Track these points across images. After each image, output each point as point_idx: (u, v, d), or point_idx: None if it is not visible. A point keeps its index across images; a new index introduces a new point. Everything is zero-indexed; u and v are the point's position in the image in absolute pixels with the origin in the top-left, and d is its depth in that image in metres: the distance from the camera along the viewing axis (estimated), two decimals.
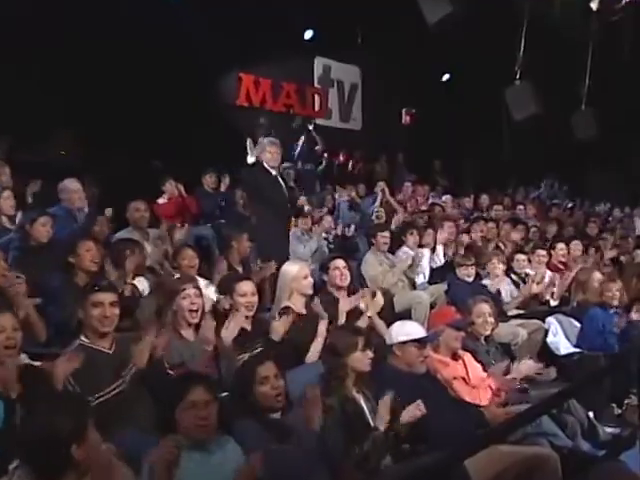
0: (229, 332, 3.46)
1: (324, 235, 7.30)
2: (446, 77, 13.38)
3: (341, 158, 11.02)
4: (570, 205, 11.96)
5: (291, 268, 4.31)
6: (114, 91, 7.99)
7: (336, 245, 7.34)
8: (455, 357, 4.06)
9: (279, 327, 3.78)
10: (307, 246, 6.76)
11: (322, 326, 4.00)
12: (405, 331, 3.71)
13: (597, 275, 5.71)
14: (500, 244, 7.69)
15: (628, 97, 11.35)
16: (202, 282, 4.74)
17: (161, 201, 6.88)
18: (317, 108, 11.96)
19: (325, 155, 10.45)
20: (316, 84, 12.11)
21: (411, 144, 12.82)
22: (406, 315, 5.44)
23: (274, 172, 5.86)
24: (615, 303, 5.37)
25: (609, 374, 4.11)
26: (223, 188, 7.72)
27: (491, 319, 4.45)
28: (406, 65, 11.98)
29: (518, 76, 8.57)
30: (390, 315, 5.48)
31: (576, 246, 7.38)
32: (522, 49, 8.52)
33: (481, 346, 4.42)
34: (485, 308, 4.48)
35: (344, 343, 3.27)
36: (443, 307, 4.30)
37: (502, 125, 12.88)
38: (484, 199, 10.37)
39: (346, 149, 11.62)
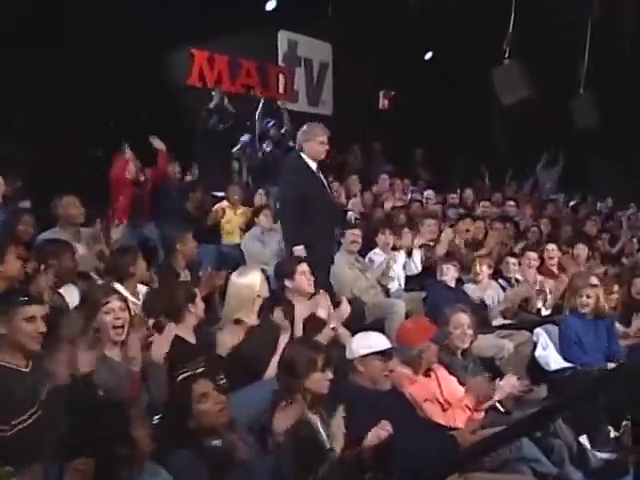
0: (158, 348, 3.45)
1: None
2: (429, 55, 13.49)
3: None
4: (574, 203, 12.11)
5: (243, 274, 4.32)
6: (48, 69, 7.96)
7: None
8: (427, 373, 4.11)
9: (226, 340, 3.80)
10: (267, 247, 6.77)
11: (283, 339, 4.04)
12: (367, 343, 3.75)
13: (594, 280, 5.82)
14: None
15: (632, 80, 11.57)
16: (144, 289, 4.76)
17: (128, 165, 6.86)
18: (281, 90, 11.97)
19: (291, 143, 10.50)
20: (280, 62, 12.10)
21: (389, 131, 12.89)
22: (379, 326, 5.50)
23: (314, 166, 5.47)
24: (585, 310, 5.48)
25: (599, 391, 4.18)
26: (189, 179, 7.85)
27: (470, 331, 4.52)
28: (384, 41, 12.07)
29: (507, 55, 8.68)
30: (359, 323, 5.57)
31: (581, 250, 7.48)
32: (512, 24, 8.63)
33: (458, 361, 4.48)
34: (463, 319, 4.55)
35: (301, 361, 3.30)
36: (418, 318, 4.36)
37: (493, 111, 13.05)
38: (468, 194, 10.50)
39: None
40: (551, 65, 10.58)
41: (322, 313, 4.48)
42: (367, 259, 6.77)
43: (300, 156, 5.47)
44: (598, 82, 10.42)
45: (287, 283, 4.60)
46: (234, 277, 4.34)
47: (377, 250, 6.89)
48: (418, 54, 13.27)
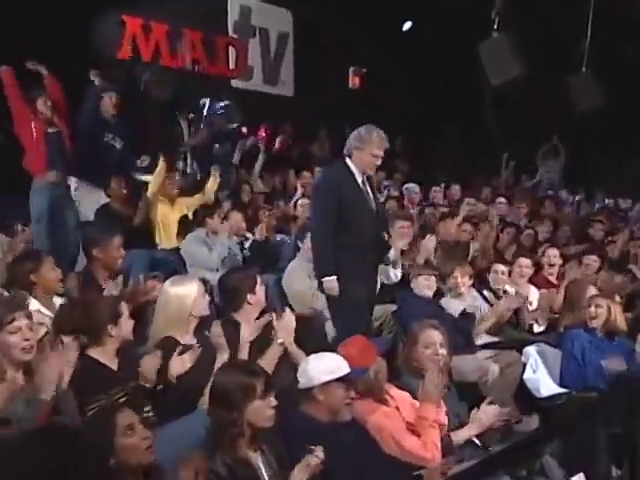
0: (48, 371, 3.41)
1: (236, 238, 7.30)
2: (407, 26, 13.62)
3: (263, 134, 11.05)
4: (575, 199, 12.27)
5: (177, 284, 4.31)
6: None
7: (254, 251, 7.36)
8: (385, 401, 4.14)
9: (150, 365, 3.78)
10: (214, 251, 6.77)
11: (221, 361, 4.04)
12: (328, 367, 3.77)
13: (592, 290, 5.91)
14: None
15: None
16: (60, 301, 4.73)
17: None
18: (232, 65, 11.98)
19: (244, 130, 10.50)
20: (231, 33, 12.13)
21: (361, 115, 12.87)
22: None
23: (360, 179, 5.39)
24: (594, 324, 5.56)
25: (598, 418, 4.26)
26: None
27: (443, 350, 4.56)
28: (354, 9, 12.14)
29: (496, 26, 8.79)
30: (321, 345, 5.59)
31: (592, 262, 7.45)
32: None
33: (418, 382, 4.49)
34: (435, 336, 4.58)
35: (237, 389, 3.27)
36: (354, 339, 4.39)
37: (484, 92, 13.18)
38: (455, 190, 10.58)
39: (272, 122, 11.68)
40: (547, 38, 10.71)
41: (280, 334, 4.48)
42: None
43: (345, 163, 5.42)
44: (604, 59, 10.58)
45: (249, 298, 4.60)
46: (165, 287, 4.33)
47: None
48: (395, 24, 13.39)
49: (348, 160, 5.38)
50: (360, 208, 5.34)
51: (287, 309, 4.60)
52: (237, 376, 3.34)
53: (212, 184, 8.16)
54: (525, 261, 7.05)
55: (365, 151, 5.35)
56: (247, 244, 7.29)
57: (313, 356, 3.88)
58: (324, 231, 5.31)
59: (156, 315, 4.29)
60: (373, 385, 4.09)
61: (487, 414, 4.22)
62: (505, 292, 6.73)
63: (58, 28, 8.58)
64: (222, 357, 4.12)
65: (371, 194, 5.46)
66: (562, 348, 5.60)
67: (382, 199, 8.99)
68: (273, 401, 3.32)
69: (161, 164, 7.63)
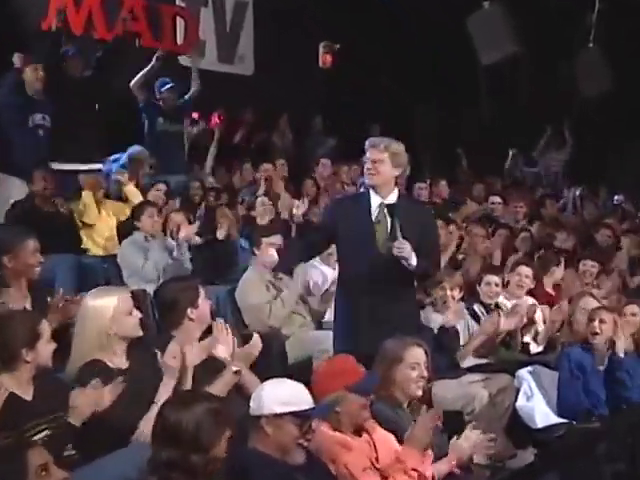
0: None
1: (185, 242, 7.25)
2: None
3: (216, 121, 11.01)
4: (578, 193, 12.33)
5: (100, 298, 4.26)
6: None
7: (202, 256, 7.35)
8: (359, 433, 4.12)
9: (87, 400, 3.76)
10: (150, 258, 6.75)
11: (165, 390, 4.01)
12: (283, 396, 3.74)
13: (589, 302, 5.96)
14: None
15: None
16: None
17: None
18: (180, 40, 11.93)
19: (195, 115, 10.44)
20: (178, 1, 12.07)
21: (333, 99, 12.99)
22: (305, 369, 5.56)
23: (376, 203, 5.34)
24: (596, 341, 5.60)
25: (600, 449, 4.32)
26: None
27: (426, 373, 4.57)
28: None
29: None
30: (280, 369, 5.60)
31: (589, 267, 7.63)
32: None
33: (405, 416, 4.51)
34: (419, 355, 4.59)
35: (205, 431, 3.27)
36: (338, 357, 4.39)
37: (476, 72, 13.28)
38: (442, 187, 10.63)
39: (228, 107, 11.65)
40: (547, 9, 10.77)
41: (222, 352, 4.46)
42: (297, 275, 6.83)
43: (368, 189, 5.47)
44: (614, 33, 10.66)
45: (189, 313, 4.58)
46: (85, 301, 4.27)
47: (316, 261, 6.96)
48: None
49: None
50: (355, 241, 5.32)
51: (256, 335, 4.56)
52: (202, 416, 3.31)
53: (129, 193, 8.07)
54: (525, 270, 7.09)
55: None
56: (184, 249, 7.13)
57: (272, 381, 3.86)
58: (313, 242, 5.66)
59: (76, 335, 4.23)
60: (341, 420, 4.08)
61: (470, 441, 4.20)
62: (497, 306, 6.78)
63: None
64: (168, 384, 4.06)
65: (389, 227, 5.28)
66: (558, 370, 5.63)
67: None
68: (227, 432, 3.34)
69: None
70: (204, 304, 4.64)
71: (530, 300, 7.02)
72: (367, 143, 5.39)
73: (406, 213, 5.30)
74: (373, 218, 5.31)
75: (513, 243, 8.70)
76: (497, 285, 6.84)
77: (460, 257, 7.94)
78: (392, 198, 5.32)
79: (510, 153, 12.71)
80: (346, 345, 5.18)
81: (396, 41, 13.01)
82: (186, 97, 9.98)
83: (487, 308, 6.72)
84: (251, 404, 3.79)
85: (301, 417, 3.72)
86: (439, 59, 12.88)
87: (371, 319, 5.22)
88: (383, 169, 5.28)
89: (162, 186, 8.30)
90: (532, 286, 7.15)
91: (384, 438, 4.22)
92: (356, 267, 5.28)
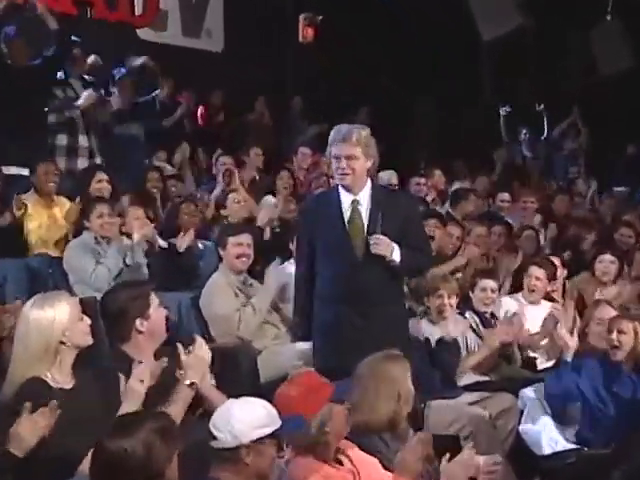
0: None
1: (144, 244, 7.25)
2: None
3: (183, 104, 11.02)
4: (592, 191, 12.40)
5: (42, 307, 4.21)
6: None
7: (161, 259, 7.34)
8: (337, 459, 4.13)
9: (33, 428, 3.74)
10: (104, 262, 6.73)
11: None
12: (258, 419, 3.75)
13: (606, 310, 5.96)
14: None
15: None
16: None
17: None
18: (139, 11, 11.94)
19: (156, 92, 10.35)
20: None
21: (315, 79, 13.01)
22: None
23: (347, 200, 5.36)
24: (618, 357, 5.62)
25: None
26: None
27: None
28: None
29: None
30: (251, 388, 5.58)
31: (608, 265, 7.59)
32: None
33: (391, 443, 4.49)
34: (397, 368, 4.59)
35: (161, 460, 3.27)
36: (302, 376, 4.38)
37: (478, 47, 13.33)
38: (438, 177, 10.65)
39: (193, 88, 11.67)
40: None
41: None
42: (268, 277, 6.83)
43: (336, 186, 5.46)
44: (634, 3, 10.72)
45: (138, 325, 4.55)
46: (25, 311, 4.23)
47: (290, 262, 6.90)
48: None
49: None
50: (330, 247, 5.34)
51: (198, 338, 4.55)
52: (150, 438, 3.30)
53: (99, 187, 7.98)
54: (538, 271, 7.10)
55: (331, 159, 5.39)
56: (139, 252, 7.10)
57: (235, 404, 3.84)
58: (297, 282, 5.61)
59: (15, 349, 4.20)
60: (318, 441, 4.06)
61: (465, 465, 4.20)
62: (493, 315, 6.82)
63: None
64: (129, 407, 4.04)
65: (365, 225, 5.31)
66: (563, 385, 5.64)
67: None
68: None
69: None
70: (157, 314, 4.62)
71: (548, 307, 7.03)
72: (333, 136, 5.30)
73: (384, 205, 5.32)
74: (345, 219, 5.32)
75: (514, 243, 8.71)
76: (493, 291, 6.87)
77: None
78: (365, 192, 5.34)
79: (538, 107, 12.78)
80: (327, 361, 5.21)
81: (389, 17, 13.02)
82: (154, 93, 9.90)
83: (481, 317, 6.74)
84: (218, 435, 3.77)
85: (278, 436, 3.75)
86: (436, 33, 12.89)
87: (354, 331, 5.25)
88: (358, 165, 5.26)
89: (103, 175, 8.03)
90: (547, 289, 7.18)
91: (365, 462, 4.23)
92: (334, 275, 5.31)
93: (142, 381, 4.13)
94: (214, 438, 3.74)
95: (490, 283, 6.86)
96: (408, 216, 5.46)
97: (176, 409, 4.16)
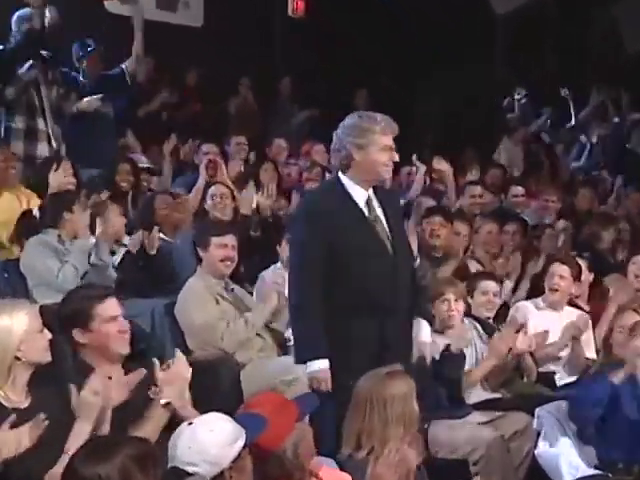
0: None
1: (110, 242, 7.26)
2: None
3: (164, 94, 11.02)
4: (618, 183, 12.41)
5: (3, 316, 4.19)
6: None
7: (132, 262, 7.34)
8: None
9: None
10: (70, 260, 6.72)
11: (79, 434, 3.99)
12: (229, 435, 3.80)
13: (631, 317, 5.97)
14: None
15: None
16: None
17: None
18: None
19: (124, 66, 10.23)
20: None
21: (306, 58, 13.02)
22: None
23: (362, 199, 5.32)
24: None
25: None
26: None
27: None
28: None
29: None
30: (233, 406, 5.58)
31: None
32: None
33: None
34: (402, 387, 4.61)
35: None
36: (260, 397, 4.41)
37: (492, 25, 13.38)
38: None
39: (169, 67, 11.67)
40: None
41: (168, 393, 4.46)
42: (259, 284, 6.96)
43: (339, 180, 5.34)
44: None
45: (77, 336, 4.58)
46: None
47: (277, 268, 7.07)
48: None
49: (343, 176, 5.30)
50: (365, 248, 5.25)
51: (178, 352, 4.55)
52: (126, 464, 3.30)
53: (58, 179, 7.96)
54: (561, 268, 7.06)
55: (371, 149, 5.21)
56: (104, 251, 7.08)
57: (196, 430, 3.83)
58: (307, 290, 5.24)
59: None
60: (291, 464, 4.07)
61: None
62: (491, 320, 6.82)
63: None
64: (83, 429, 4.03)
65: (385, 223, 5.33)
66: (583, 403, 5.63)
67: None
68: None
69: None
70: (105, 327, 4.56)
71: (573, 314, 7.06)
72: (384, 124, 5.22)
73: (388, 205, 5.39)
74: (365, 213, 5.29)
75: (532, 243, 8.75)
76: (495, 294, 6.89)
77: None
78: (371, 189, 5.33)
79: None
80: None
81: None
82: (123, 66, 9.73)
83: (483, 324, 6.73)
84: (195, 470, 3.73)
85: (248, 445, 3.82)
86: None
87: (392, 344, 5.23)
88: None
89: (68, 165, 8.04)
90: (572, 292, 7.17)
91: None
92: (368, 280, 5.21)
93: (97, 393, 4.10)
94: (188, 475, 3.73)
95: (492, 285, 6.87)
96: (401, 214, 5.63)
97: (148, 430, 4.16)
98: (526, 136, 13.56)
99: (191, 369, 4.47)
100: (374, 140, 5.18)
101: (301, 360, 5.26)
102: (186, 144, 10.42)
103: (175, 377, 4.38)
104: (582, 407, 5.62)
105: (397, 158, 5.24)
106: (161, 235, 7.66)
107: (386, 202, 5.37)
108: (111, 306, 4.65)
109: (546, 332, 6.65)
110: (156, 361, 4.38)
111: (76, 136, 9.11)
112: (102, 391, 4.12)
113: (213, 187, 8.51)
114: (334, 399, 5.02)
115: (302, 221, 5.38)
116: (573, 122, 13.80)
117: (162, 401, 4.27)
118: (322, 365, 5.14)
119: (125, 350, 4.65)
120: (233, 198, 8.50)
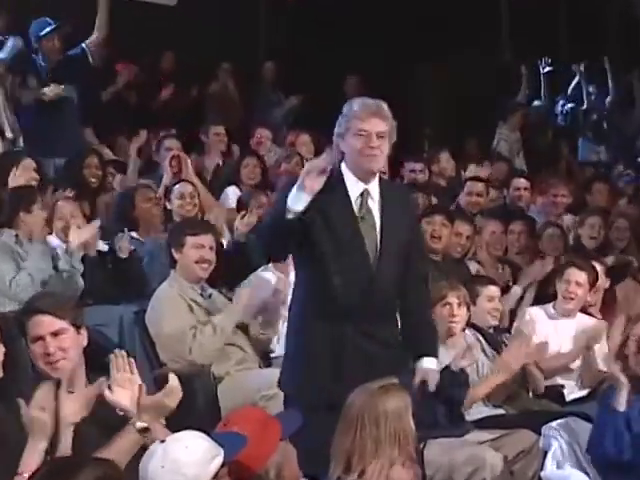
0: None
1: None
2: None
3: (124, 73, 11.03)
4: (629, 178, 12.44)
5: None
6: None
7: (100, 266, 7.35)
8: None
9: None
10: (26, 267, 6.73)
11: (32, 454, 4.01)
12: (207, 452, 3.82)
13: None
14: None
15: None
16: None
17: None
18: None
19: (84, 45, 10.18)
20: None
21: (291, 40, 13.06)
22: None
23: (356, 197, 5.27)
24: None
25: None
26: None
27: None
28: None
29: None
30: (209, 423, 5.59)
31: None
32: None
33: None
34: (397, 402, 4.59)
35: None
36: (243, 411, 4.43)
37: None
38: (445, 161, 10.79)
39: (140, 51, 11.68)
40: None
41: (122, 399, 4.45)
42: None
43: (340, 172, 5.27)
44: None
45: (32, 348, 4.51)
46: None
47: (268, 270, 7.06)
48: None
49: (344, 167, 5.24)
50: (339, 243, 5.23)
51: (171, 375, 4.53)
52: None
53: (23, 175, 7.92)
54: (579, 274, 7.04)
55: (346, 135, 5.17)
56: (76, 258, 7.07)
57: (172, 450, 3.83)
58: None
59: None
60: None
61: None
62: (496, 330, 6.91)
63: None
64: (36, 447, 4.05)
65: (377, 220, 5.29)
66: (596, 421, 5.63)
67: None
68: None
69: None
70: (56, 340, 4.46)
71: (585, 321, 7.11)
72: (358, 108, 5.19)
73: (395, 201, 5.35)
74: (356, 212, 5.26)
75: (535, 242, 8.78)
76: (500, 301, 6.96)
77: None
78: (375, 183, 5.29)
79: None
80: (320, 396, 5.12)
81: None
82: (83, 45, 9.80)
83: (485, 335, 6.76)
84: None
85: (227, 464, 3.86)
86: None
87: (357, 356, 5.19)
88: (386, 146, 5.22)
89: (29, 161, 8.00)
90: (588, 299, 7.20)
91: None
92: (342, 283, 5.20)
93: (42, 408, 4.11)
94: None
95: (493, 289, 6.92)
96: (412, 215, 5.56)
97: (118, 452, 4.11)
98: (526, 120, 13.48)
99: (161, 383, 4.50)
100: (349, 126, 5.15)
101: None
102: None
103: (159, 405, 4.36)
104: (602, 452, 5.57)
105: (374, 144, 5.09)
106: (134, 234, 7.69)
107: (389, 198, 5.33)
108: (36, 325, 4.49)
109: (545, 343, 6.64)
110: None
111: (36, 124, 9.14)
112: (52, 406, 4.13)
113: (178, 185, 8.40)
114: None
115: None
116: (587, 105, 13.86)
117: (139, 424, 4.26)
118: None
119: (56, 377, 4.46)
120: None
